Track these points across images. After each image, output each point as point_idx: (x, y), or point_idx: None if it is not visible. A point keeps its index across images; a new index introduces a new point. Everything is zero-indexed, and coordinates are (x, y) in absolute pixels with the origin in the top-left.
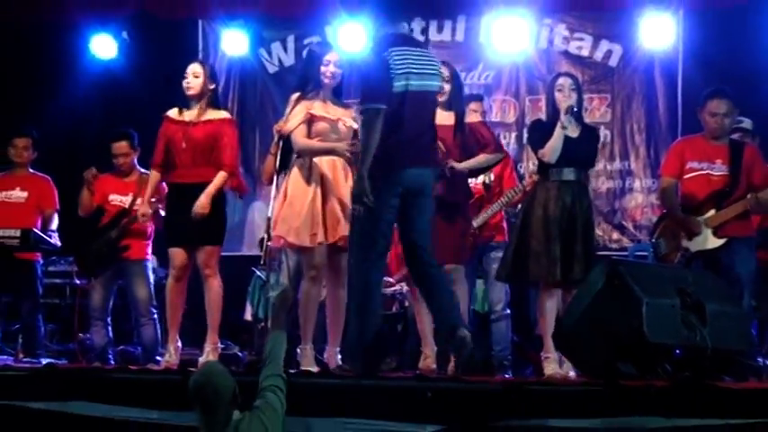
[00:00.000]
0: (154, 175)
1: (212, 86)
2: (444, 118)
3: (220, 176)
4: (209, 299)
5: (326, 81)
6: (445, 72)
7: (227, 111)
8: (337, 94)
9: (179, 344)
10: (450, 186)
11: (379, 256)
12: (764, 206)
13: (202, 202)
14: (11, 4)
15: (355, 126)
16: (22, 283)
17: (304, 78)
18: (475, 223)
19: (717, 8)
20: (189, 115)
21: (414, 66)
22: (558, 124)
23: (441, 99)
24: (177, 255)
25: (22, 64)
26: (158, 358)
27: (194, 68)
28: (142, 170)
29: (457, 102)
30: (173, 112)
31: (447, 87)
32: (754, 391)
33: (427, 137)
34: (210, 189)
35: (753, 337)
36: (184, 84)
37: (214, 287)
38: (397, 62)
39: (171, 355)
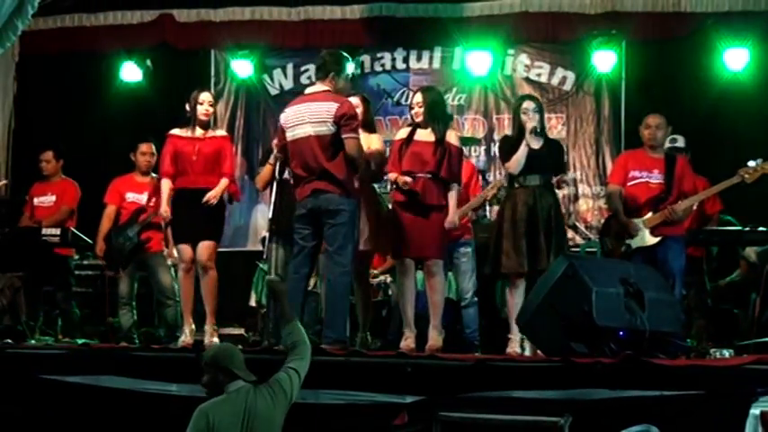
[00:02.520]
0: (167, 182)
1: None
2: (424, 135)
3: (224, 182)
4: (207, 288)
5: None
6: (418, 98)
7: (222, 129)
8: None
9: (193, 326)
10: (431, 192)
11: (293, 258)
12: (677, 215)
13: (215, 193)
14: (57, 39)
15: (377, 147)
16: (58, 274)
17: None
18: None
19: (655, 39)
20: (197, 133)
21: (291, 119)
22: (524, 142)
23: (418, 120)
24: (186, 250)
25: (62, 89)
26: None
27: (209, 98)
28: (154, 174)
29: (432, 122)
30: (177, 131)
31: (421, 111)
32: (684, 368)
33: (316, 170)
34: (219, 187)
35: (683, 321)
36: (203, 110)
37: (211, 277)
38: (282, 121)
39: (186, 336)
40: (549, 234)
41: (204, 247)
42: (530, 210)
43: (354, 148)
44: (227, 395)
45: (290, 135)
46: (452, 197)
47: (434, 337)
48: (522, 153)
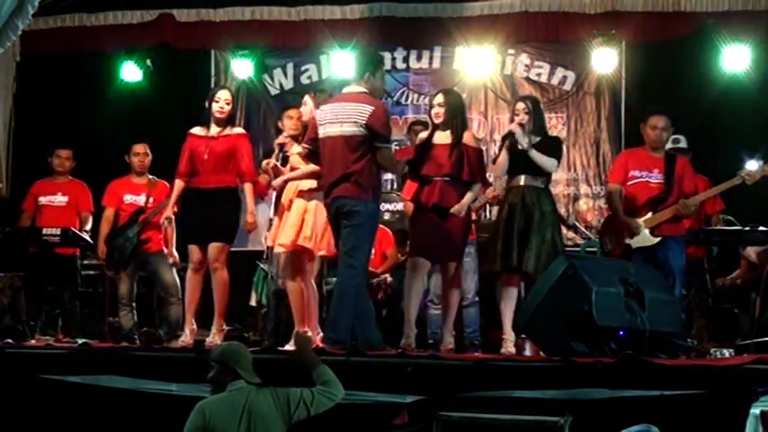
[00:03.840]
0: (179, 183)
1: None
2: (442, 138)
3: (249, 189)
4: (217, 288)
5: None
6: (440, 99)
7: (240, 127)
8: None
9: (194, 326)
10: (449, 195)
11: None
12: (689, 210)
13: (250, 221)
14: (57, 38)
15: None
16: (63, 274)
17: None
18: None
19: (655, 39)
20: (211, 131)
21: (326, 116)
22: (504, 147)
23: (437, 121)
24: (195, 250)
25: (62, 89)
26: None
27: (226, 95)
28: (150, 175)
29: (451, 124)
30: (196, 130)
31: (441, 111)
32: (684, 367)
33: (339, 172)
34: (251, 206)
35: (683, 320)
36: (218, 108)
37: (222, 278)
38: (318, 116)
39: (187, 336)
40: (528, 234)
41: (213, 249)
42: (512, 210)
43: (386, 158)
44: (227, 393)
45: (321, 132)
46: (468, 194)
47: (448, 339)
48: (502, 158)
